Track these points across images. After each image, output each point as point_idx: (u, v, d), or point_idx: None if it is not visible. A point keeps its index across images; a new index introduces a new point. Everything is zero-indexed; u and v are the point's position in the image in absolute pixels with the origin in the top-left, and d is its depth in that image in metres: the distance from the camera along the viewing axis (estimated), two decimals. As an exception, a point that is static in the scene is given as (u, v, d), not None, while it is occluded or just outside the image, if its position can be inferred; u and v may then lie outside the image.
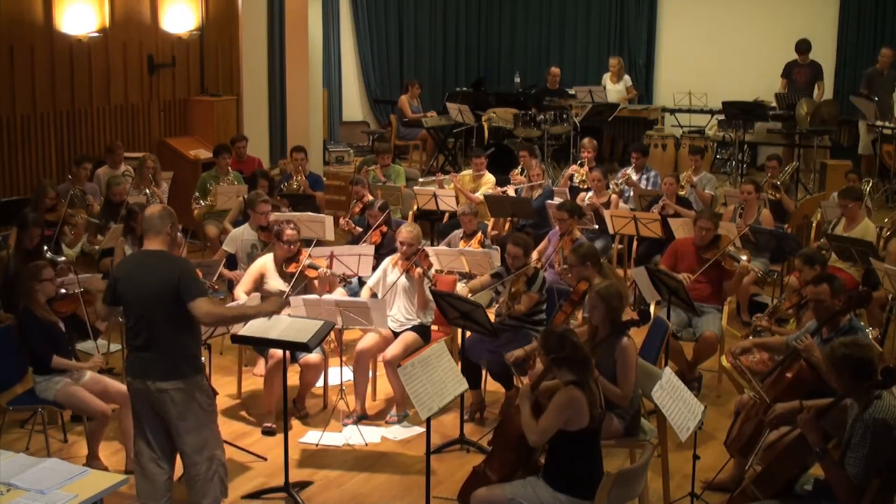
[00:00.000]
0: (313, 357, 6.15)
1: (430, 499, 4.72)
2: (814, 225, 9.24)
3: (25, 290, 5.61)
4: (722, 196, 9.63)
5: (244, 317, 5.06)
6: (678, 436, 4.50)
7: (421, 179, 11.68)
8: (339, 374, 6.84)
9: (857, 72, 12.59)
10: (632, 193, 9.46)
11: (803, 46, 12.25)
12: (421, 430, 6.06)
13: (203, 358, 5.64)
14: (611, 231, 8.69)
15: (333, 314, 6.02)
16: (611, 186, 9.29)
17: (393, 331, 6.42)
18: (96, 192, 9.03)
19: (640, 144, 10.55)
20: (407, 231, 6.52)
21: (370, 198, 8.65)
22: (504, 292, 6.31)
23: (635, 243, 8.89)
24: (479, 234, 8.17)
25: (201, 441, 4.63)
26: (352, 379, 6.50)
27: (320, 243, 7.13)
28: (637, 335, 5.33)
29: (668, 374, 4.79)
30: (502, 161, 11.30)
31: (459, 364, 5.87)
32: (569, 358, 4.34)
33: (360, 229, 8.30)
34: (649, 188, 9.50)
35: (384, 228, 7.90)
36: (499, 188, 9.72)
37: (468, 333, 6.07)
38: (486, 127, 12.96)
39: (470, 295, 6.31)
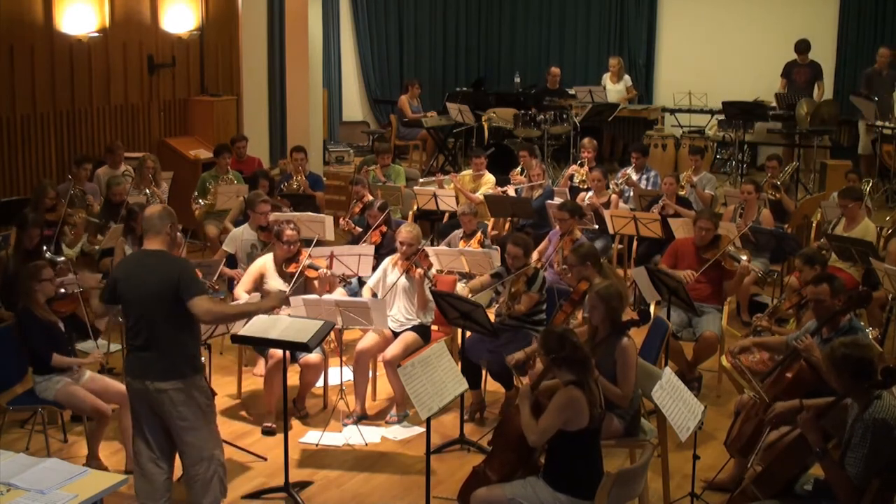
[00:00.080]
0: (313, 357, 6.15)
1: (430, 499, 4.73)
2: (814, 225, 9.24)
3: (25, 290, 5.61)
4: (722, 196, 9.63)
5: (244, 314, 5.07)
6: (678, 436, 4.50)
7: (421, 180, 11.67)
8: (339, 374, 6.84)
9: (857, 72, 12.59)
10: (632, 193, 9.46)
11: (803, 46, 12.25)
12: (421, 430, 6.06)
13: (203, 358, 5.64)
14: (611, 231, 8.69)
15: (333, 314, 6.02)
16: (611, 186, 9.29)
17: (393, 331, 6.42)
18: (96, 192, 9.03)
19: (640, 144, 10.55)
20: (407, 231, 6.52)
21: (370, 198, 8.65)
22: (504, 292, 6.31)
23: (635, 243, 8.89)
24: (479, 234, 8.17)
25: (200, 441, 4.63)
26: (352, 379, 6.50)
27: (320, 243, 7.13)
28: (637, 335, 5.33)
29: (668, 374, 4.79)
30: (502, 161, 11.30)
31: (459, 364, 5.87)
32: (569, 358, 4.35)
33: (360, 229, 8.30)
34: (649, 188, 9.50)
35: (384, 228, 7.90)
36: (499, 188, 9.73)
37: (468, 333, 6.07)
38: (486, 127, 12.96)
39: (470, 295, 6.31)
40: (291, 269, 6.52)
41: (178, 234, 5.53)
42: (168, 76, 10.91)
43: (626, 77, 13.46)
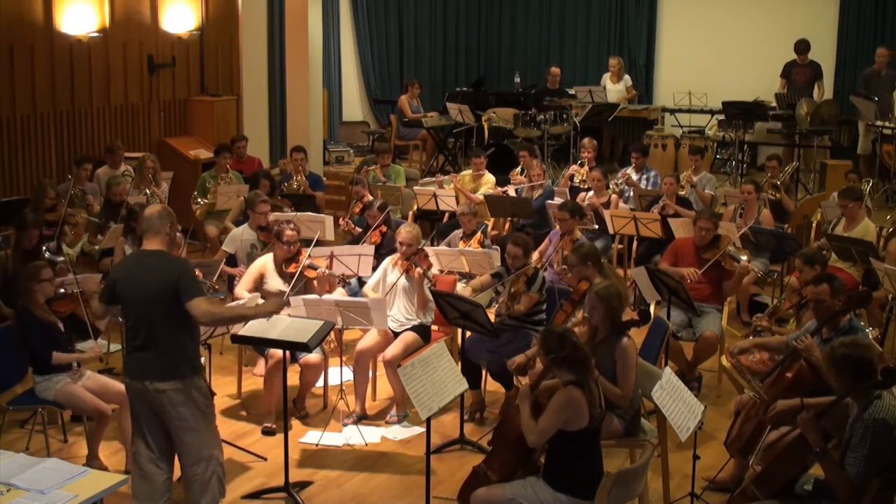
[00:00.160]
0: (313, 357, 6.15)
1: (430, 499, 4.73)
2: (814, 225, 9.24)
3: (24, 290, 5.61)
4: (722, 196, 9.63)
5: (243, 318, 5.07)
6: (678, 436, 4.50)
7: (421, 180, 11.67)
8: (339, 374, 6.84)
9: (857, 72, 12.58)
10: (632, 193, 9.46)
11: (802, 46, 12.25)
12: (421, 430, 6.06)
13: (203, 358, 5.65)
14: (611, 231, 8.69)
15: (333, 314, 6.02)
16: (611, 186, 9.29)
17: (393, 331, 6.42)
18: (96, 192, 9.03)
19: (640, 144, 10.55)
20: (406, 231, 6.52)
21: (370, 198, 8.64)
22: (504, 292, 6.31)
23: (635, 243, 8.89)
24: (479, 234, 8.16)
25: (199, 442, 4.63)
26: (352, 379, 6.50)
27: (320, 243, 7.13)
28: (637, 335, 5.33)
29: (668, 374, 4.79)
30: (502, 161, 11.30)
31: (459, 364, 5.87)
32: (568, 358, 4.35)
33: (360, 230, 8.30)
34: (649, 188, 9.50)
35: (384, 228, 7.90)
36: (499, 188, 9.73)
37: (468, 333, 6.07)
38: (486, 127, 12.96)
39: (473, 294, 6.32)
40: (291, 269, 6.53)
41: (178, 234, 5.53)
42: (168, 76, 10.91)
43: (626, 77, 13.46)
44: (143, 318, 4.54)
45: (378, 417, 6.43)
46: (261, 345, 5.95)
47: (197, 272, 5.59)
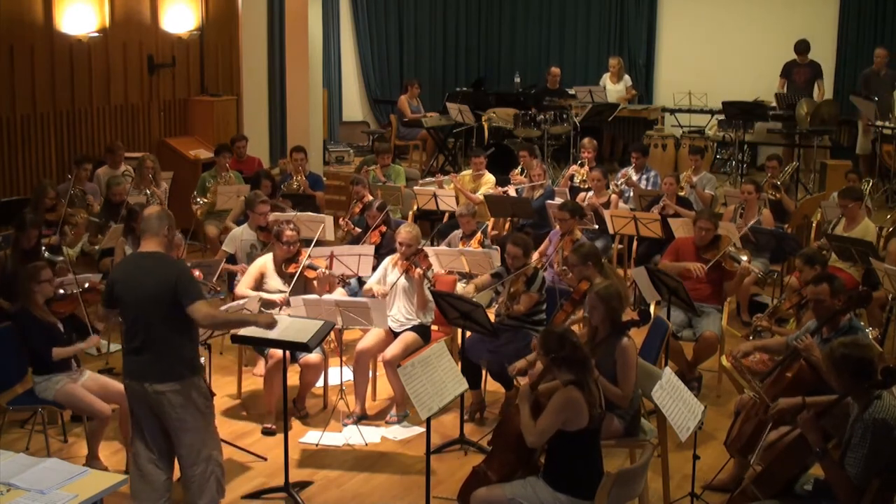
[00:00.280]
0: (313, 357, 6.15)
1: (430, 499, 4.72)
2: (814, 225, 9.24)
3: (24, 291, 5.61)
4: (722, 196, 9.63)
5: (242, 323, 5.03)
6: (678, 436, 4.50)
7: (421, 180, 11.67)
8: (339, 374, 6.84)
9: (857, 72, 12.58)
10: (632, 193, 9.46)
11: (802, 47, 12.25)
12: (421, 430, 6.06)
13: (203, 358, 5.65)
14: (611, 231, 8.69)
15: (333, 314, 6.02)
16: (611, 187, 9.29)
17: (393, 331, 6.42)
18: (96, 192, 9.03)
19: (640, 144, 10.55)
20: (406, 231, 6.52)
21: (370, 198, 8.64)
22: (503, 292, 6.31)
23: (635, 243, 8.89)
24: (479, 234, 8.16)
25: (198, 442, 4.63)
26: (352, 379, 6.50)
27: (320, 243, 7.13)
28: (637, 335, 5.33)
29: (668, 374, 4.79)
30: (502, 161, 11.30)
31: (459, 364, 5.87)
32: (568, 358, 4.34)
33: (359, 230, 8.29)
34: (649, 188, 9.50)
35: (383, 228, 7.90)
36: (499, 188, 9.72)
37: (468, 333, 6.07)
38: (486, 127, 12.96)
39: (475, 293, 6.32)
40: (291, 269, 6.53)
41: (178, 236, 5.53)
42: (168, 76, 10.91)
43: (626, 77, 13.46)
44: (140, 319, 4.54)
45: (378, 417, 6.42)
46: (261, 345, 5.95)
47: (197, 273, 5.60)
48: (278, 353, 5.82)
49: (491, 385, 6.43)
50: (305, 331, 5.08)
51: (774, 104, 12.26)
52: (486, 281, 6.52)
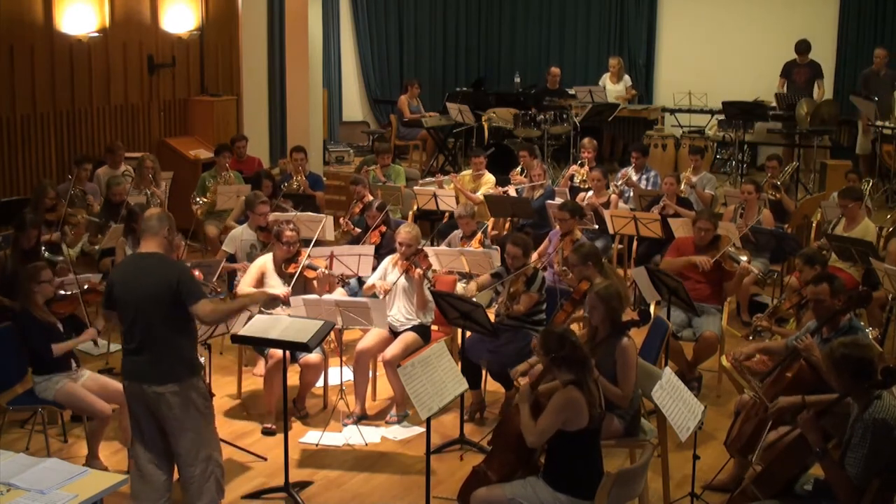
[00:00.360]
0: (313, 357, 6.15)
1: (430, 499, 4.72)
2: (814, 225, 9.24)
3: (24, 291, 5.61)
4: (722, 196, 9.63)
5: (242, 307, 5.01)
6: (678, 436, 4.50)
7: (421, 180, 11.67)
8: (339, 374, 6.84)
9: (857, 72, 12.58)
10: (632, 194, 9.46)
11: (803, 47, 12.25)
12: (421, 430, 6.06)
13: (203, 358, 5.66)
14: (611, 231, 8.69)
15: (333, 314, 6.02)
16: (611, 187, 9.28)
17: (393, 331, 6.42)
18: (96, 192, 9.03)
19: (640, 144, 10.55)
20: (406, 232, 6.52)
21: (371, 198, 8.64)
22: (503, 292, 6.31)
23: (635, 243, 8.89)
24: (479, 234, 8.16)
25: (198, 443, 4.63)
26: (352, 379, 6.50)
27: (320, 243, 7.13)
28: (637, 335, 5.33)
29: (668, 374, 4.79)
30: (502, 161, 11.30)
31: (459, 364, 5.87)
32: (568, 357, 4.34)
33: (359, 230, 8.29)
34: (649, 188, 9.50)
35: (383, 228, 7.90)
36: (499, 188, 9.72)
37: (468, 333, 6.07)
38: (486, 127, 12.96)
39: (477, 292, 6.32)
40: (291, 269, 6.53)
41: (177, 237, 5.53)
42: (168, 76, 10.91)
43: (626, 77, 13.46)
44: (140, 320, 4.54)
45: (378, 417, 6.42)
46: (261, 345, 5.95)
47: (197, 273, 5.60)
48: (278, 353, 5.82)
49: (491, 385, 6.43)
50: (305, 331, 5.08)
51: (774, 104, 12.26)
52: (487, 281, 6.53)
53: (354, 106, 14.98)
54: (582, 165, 10.08)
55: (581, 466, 4.33)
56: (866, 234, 7.66)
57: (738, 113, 11.74)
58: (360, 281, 7.33)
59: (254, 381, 6.84)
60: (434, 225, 9.88)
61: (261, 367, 6.72)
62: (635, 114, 13.10)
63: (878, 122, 11.18)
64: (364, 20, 14.70)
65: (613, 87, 13.25)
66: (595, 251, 6.39)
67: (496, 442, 4.73)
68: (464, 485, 4.70)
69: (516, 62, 15.91)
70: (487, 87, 15.09)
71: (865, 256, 7.19)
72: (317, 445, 6.00)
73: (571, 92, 13.20)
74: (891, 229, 8.53)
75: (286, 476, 5.28)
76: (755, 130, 12.19)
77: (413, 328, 6.42)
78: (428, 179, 11.72)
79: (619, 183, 9.44)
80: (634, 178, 9.59)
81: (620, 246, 9.09)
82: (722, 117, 12.30)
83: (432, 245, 8.62)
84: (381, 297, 6.47)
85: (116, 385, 5.52)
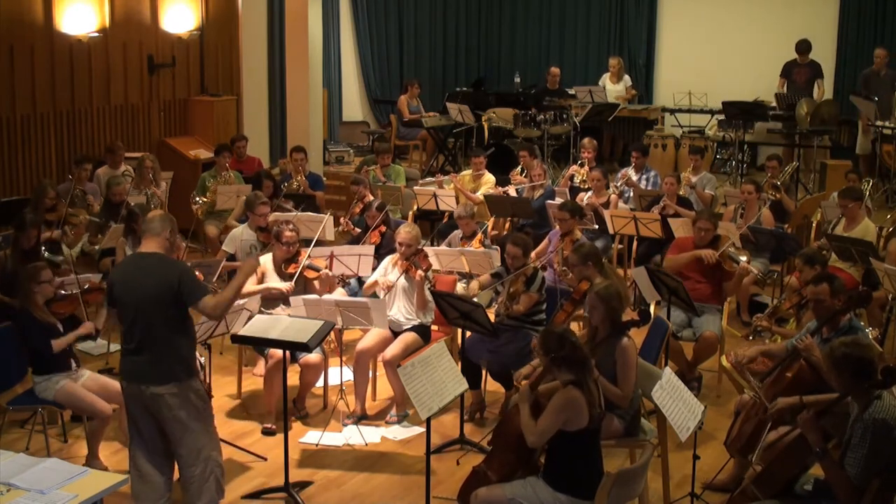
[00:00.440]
0: (313, 357, 6.14)
1: (430, 499, 4.72)
2: (814, 225, 9.24)
3: (24, 292, 5.61)
4: (722, 196, 9.63)
5: (238, 288, 4.86)
6: (678, 436, 4.50)
7: (421, 180, 11.67)
8: (339, 374, 6.84)
9: (857, 72, 12.59)
10: (632, 194, 9.46)
11: (803, 47, 12.25)
12: (421, 430, 6.06)
13: (203, 358, 5.66)
14: (611, 231, 8.69)
15: (333, 314, 6.02)
16: (611, 187, 9.28)
17: (393, 331, 6.42)
18: (96, 192, 9.02)
19: (640, 144, 10.55)
20: (405, 232, 6.52)
21: (371, 198, 8.65)
22: (503, 292, 6.31)
23: (635, 243, 8.89)
24: (479, 234, 8.16)
25: (197, 443, 4.64)
26: (352, 379, 6.50)
27: (320, 243, 7.13)
28: (637, 335, 5.33)
29: (668, 374, 4.79)
30: (502, 161, 11.30)
31: (459, 364, 5.87)
32: (568, 357, 4.34)
33: (359, 230, 8.29)
34: (649, 188, 9.50)
35: (383, 228, 7.90)
36: (499, 188, 9.72)
37: (468, 333, 6.07)
38: (486, 127, 12.96)
39: (480, 291, 6.32)
40: (291, 269, 6.54)
41: (178, 238, 5.53)
42: (168, 76, 10.91)
43: (626, 77, 13.47)
44: (139, 320, 4.54)
45: (378, 417, 6.42)
46: (261, 345, 5.95)
47: (197, 273, 5.60)
48: (278, 353, 5.82)
49: (491, 385, 6.43)
50: (305, 331, 5.08)
51: (774, 104, 12.26)
52: (487, 281, 6.53)
53: (354, 106, 14.98)
54: (582, 165, 10.08)
55: (581, 466, 4.33)
56: (866, 234, 7.66)
57: (738, 113, 11.75)
58: (360, 281, 7.33)
59: (254, 381, 6.84)
60: (434, 225, 9.88)
61: (261, 367, 6.72)
62: (635, 114, 13.10)
63: (879, 122, 11.18)
64: (364, 20, 14.70)
65: (613, 87, 13.25)
66: (595, 251, 6.39)
67: (496, 442, 4.72)
68: (464, 485, 4.70)
69: (516, 62, 15.91)
70: (487, 87, 15.09)
71: (865, 256, 7.19)
72: (317, 445, 6.00)
73: (571, 92, 13.21)
74: (891, 229, 8.53)
75: (286, 476, 5.28)
76: (755, 130, 12.19)
77: (413, 328, 6.42)
78: (428, 179, 11.72)
79: (619, 183, 9.44)
80: (634, 178, 9.59)
81: (620, 246, 9.09)
82: (722, 117, 12.31)
83: (432, 245, 8.62)
84: (382, 293, 6.48)
85: (116, 385, 5.51)
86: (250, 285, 6.48)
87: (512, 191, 9.55)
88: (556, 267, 7.27)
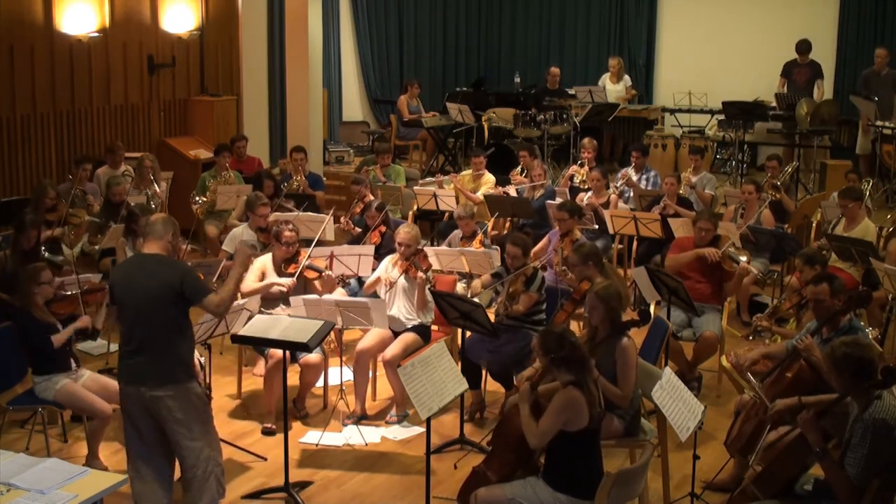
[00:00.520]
0: (313, 357, 6.15)
1: (430, 499, 4.72)
2: (814, 225, 9.24)
3: (23, 293, 5.61)
4: (722, 196, 9.63)
5: (237, 281, 4.94)
6: (678, 436, 4.50)
7: (421, 180, 11.67)
8: (339, 374, 6.84)
9: (857, 72, 12.59)
10: (632, 194, 9.46)
11: (804, 47, 12.25)
12: (421, 430, 6.06)
13: (203, 358, 5.67)
14: (611, 231, 8.69)
15: (333, 314, 6.02)
16: (611, 187, 9.28)
17: (393, 331, 6.42)
18: (96, 192, 9.02)
19: (640, 144, 10.56)
20: (405, 232, 6.52)
21: (372, 198, 8.65)
22: (502, 292, 6.31)
23: (635, 243, 8.89)
24: (479, 234, 8.16)
25: (197, 444, 4.64)
26: (352, 379, 6.50)
27: (321, 243, 7.13)
28: (637, 335, 5.33)
29: (668, 374, 4.79)
30: (502, 161, 11.30)
31: (459, 364, 5.87)
32: (567, 358, 4.35)
33: (359, 230, 8.30)
34: (649, 188, 9.50)
35: (383, 228, 7.90)
36: (499, 188, 9.72)
37: (468, 333, 6.07)
38: (486, 127, 12.96)
39: (482, 290, 6.32)
40: (291, 269, 6.54)
41: (179, 240, 5.53)
42: (168, 76, 10.91)
43: (626, 77, 13.46)
44: (139, 321, 4.55)
45: (378, 417, 6.42)
46: (261, 345, 5.95)
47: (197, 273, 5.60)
48: (278, 353, 5.82)
49: (491, 385, 6.43)
50: (305, 331, 5.08)
51: (774, 104, 12.26)
52: (487, 281, 6.53)
53: (354, 106, 14.98)
54: (582, 165, 10.08)
55: (581, 466, 4.33)
56: (866, 234, 7.66)
57: (738, 113, 11.75)
58: (360, 281, 7.33)
59: (254, 381, 6.84)
60: (434, 225, 9.88)
61: (261, 367, 6.72)
62: (635, 114, 13.10)
63: (879, 123, 11.18)
64: (364, 20, 14.70)
65: (613, 88, 13.25)
66: (596, 251, 6.39)
67: (496, 442, 4.72)
68: (464, 485, 4.70)
69: (516, 62, 15.91)
70: (487, 87, 15.09)
71: (865, 256, 7.19)
72: (317, 445, 6.00)
73: (571, 92, 13.21)
74: (891, 229, 8.53)
75: (286, 476, 5.28)
76: (755, 130, 12.19)
77: (413, 328, 6.42)
78: (428, 179, 11.72)
79: (620, 183, 9.44)
80: (634, 178, 9.59)
81: (620, 246, 9.09)
82: (722, 117, 12.31)
83: (432, 245, 8.62)
84: (384, 290, 6.47)
85: (116, 385, 5.51)
86: (253, 283, 6.49)
87: (512, 191, 9.55)
88: (555, 267, 7.27)
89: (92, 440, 5.60)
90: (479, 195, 9.60)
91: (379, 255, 7.28)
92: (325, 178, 11.01)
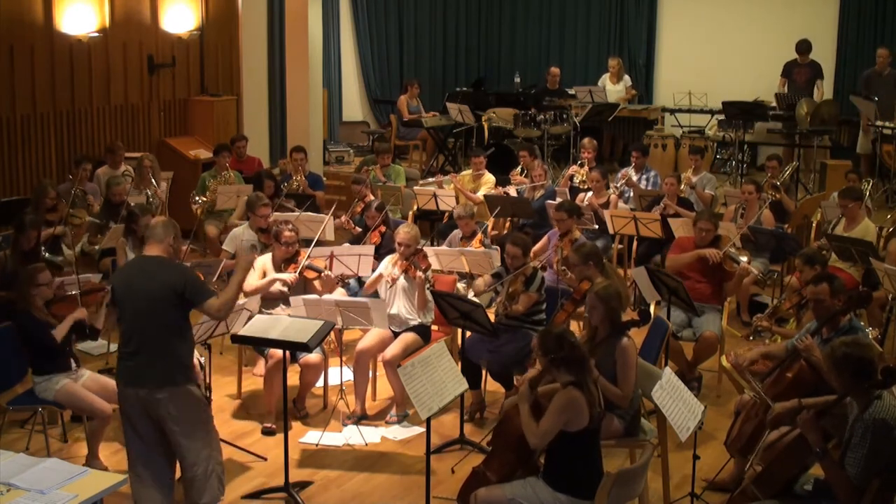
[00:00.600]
0: (313, 357, 6.14)
1: (430, 499, 4.72)
2: (814, 225, 9.24)
3: (23, 294, 5.61)
4: (722, 196, 9.63)
5: (239, 284, 4.87)
6: (678, 436, 4.50)
7: (421, 180, 11.67)
8: (339, 374, 6.84)
9: (857, 72, 12.60)
10: (632, 194, 9.46)
11: (804, 47, 12.25)
12: (421, 430, 6.06)
13: (203, 358, 5.67)
14: (611, 231, 8.69)
15: (333, 314, 6.02)
16: (611, 187, 9.28)
17: (393, 331, 6.42)
18: (96, 192, 9.02)
19: (640, 144, 10.56)
20: (405, 232, 6.52)
21: (372, 197, 8.65)
22: (502, 292, 6.31)
23: (635, 243, 8.89)
24: (479, 234, 8.16)
25: (198, 444, 4.65)
26: (352, 379, 6.50)
27: (321, 243, 7.13)
28: (637, 335, 5.33)
29: (668, 374, 4.79)
30: (502, 161, 11.30)
31: (459, 364, 5.87)
32: (567, 358, 4.34)
33: (360, 229, 8.30)
34: (649, 188, 9.50)
35: (383, 228, 7.90)
36: (499, 188, 9.72)
37: (468, 333, 6.07)
38: (486, 127, 12.96)
39: (483, 289, 6.31)
40: (290, 269, 6.54)
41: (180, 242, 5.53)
42: (168, 76, 10.91)
43: (626, 77, 13.47)
44: (139, 323, 4.55)
45: (378, 417, 6.42)
46: (261, 345, 5.95)
47: (198, 275, 5.60)
48: (278, 353, 5.82)
49: (491, 385, 6.43)
50: (305, 331, 5.08)
51: (774, 104, 12.26)
52: (487, 281, 6.53)
53: (354, 106, 14.98)
54: (582, 166, 10.08)
55: (581, 466, 4.33)
56: (866, 234, 7.66)
57: (738, 113, 11.75)
58: (360, 281, 7.33)
59: (254, 381, 6.84)
60: (434, 225, 9.88)
61: (261, 367, 6.72)
62: (635, 114, 13.10)
63: (879, 123, 11.18)
64: (364, 20, 14.70)
65: (613, 88, 13.26)
66: (596, 251, 6.39)
67: (496, 442, 4.72)
68: (464, 485, 4.70)
69: (516, 62, 15.91)
70: (487, 87, 15.09)
71: (865, 256, 7.19)
72: (317, 445, 6.00)
73: (571, 92, 13.21)
74: (891, 229, 8.53)
75: (286, 476, 5.28)
76: (755, 130, 12.20)
77: (413, 328, 6.42)
78: (428, 179, 11.72)
79: (620, 183, 9.44)
80: (634, 178, 9.59)
81: (620, 246, 9.09)
82: (722, 117, 12.31)
83: (432, 245, 8.62)
84: (385, 287, 6.47)
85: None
86: (255, 281, 6.49)
87: (512, 191, 9.55)
88: (555, 267, 7.27)
89: (92, 440, 5.60)
90: (479, 195, 9.60)
91: (379, 255, 7.28)
92: (325, 178, 11.01)
